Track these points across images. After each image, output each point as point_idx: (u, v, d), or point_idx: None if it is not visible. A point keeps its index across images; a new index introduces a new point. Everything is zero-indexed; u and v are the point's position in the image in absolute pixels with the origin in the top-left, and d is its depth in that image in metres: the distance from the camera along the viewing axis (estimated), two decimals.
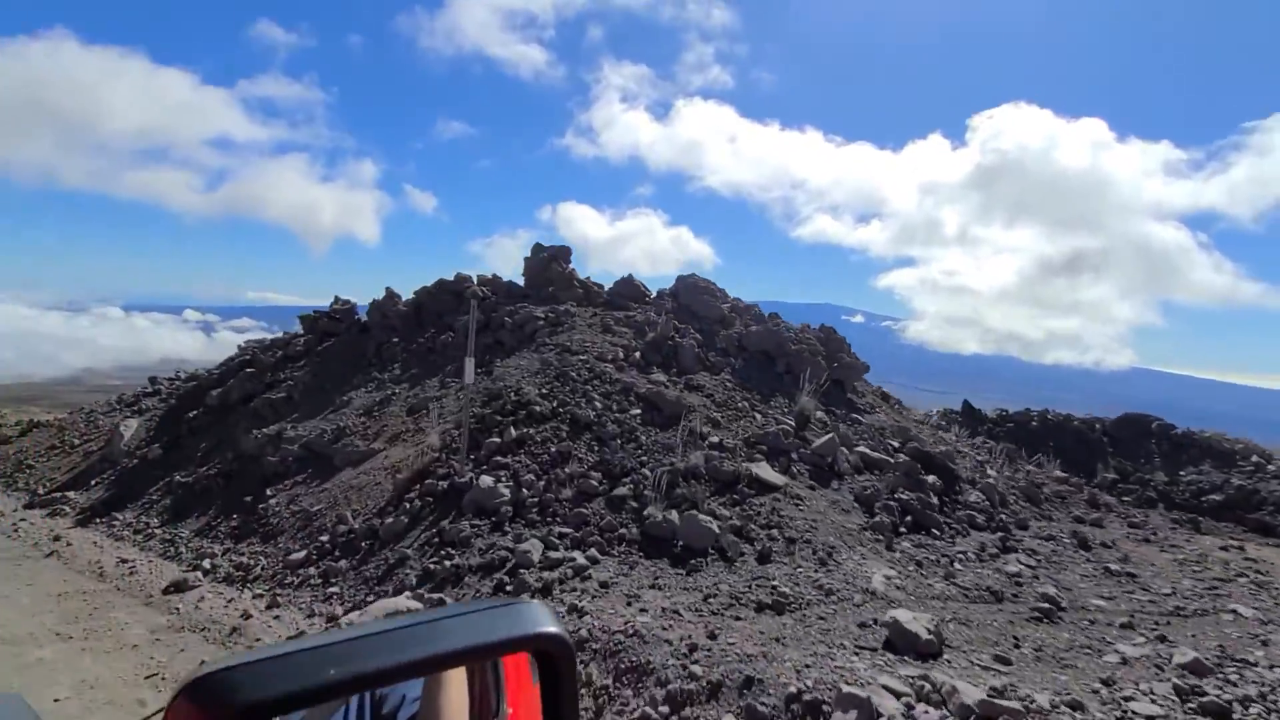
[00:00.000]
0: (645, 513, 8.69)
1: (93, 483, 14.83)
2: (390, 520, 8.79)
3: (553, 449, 9.74)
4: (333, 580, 8.25)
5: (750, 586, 7.03)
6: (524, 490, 8.91)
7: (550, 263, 16.08)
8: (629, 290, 15.76)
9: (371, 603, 7.38)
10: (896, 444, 11.66)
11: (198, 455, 13.90)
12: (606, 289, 16.28)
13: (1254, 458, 15.79)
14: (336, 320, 17.06)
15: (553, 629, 0.87)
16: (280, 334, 17.88)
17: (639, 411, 10.76)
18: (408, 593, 7.37)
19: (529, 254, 16.39)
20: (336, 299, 17.66)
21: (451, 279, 16.50)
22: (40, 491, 15.50)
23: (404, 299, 16.40)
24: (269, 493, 10.91)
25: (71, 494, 14.53)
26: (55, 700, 5.84)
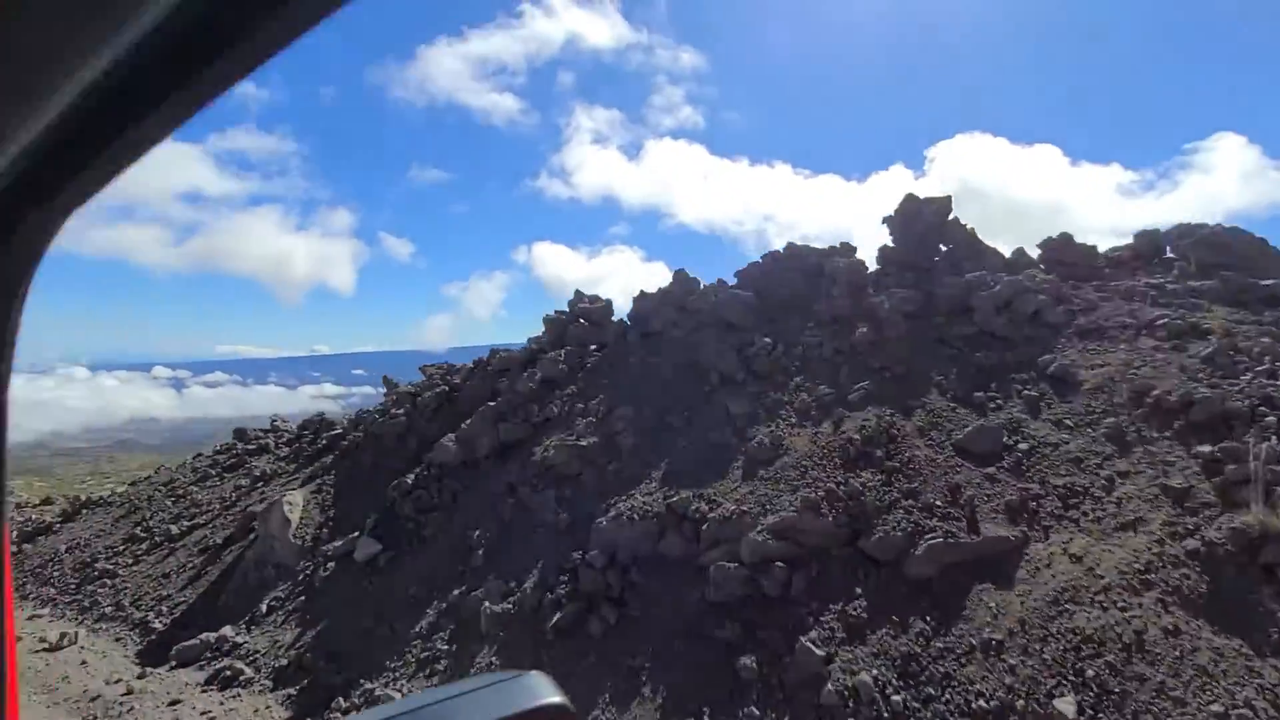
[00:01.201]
0: None
1: (262, 608, 8.64)
2: None
3: None
4: None
5: None
6: None
7: (942, 220, 10.46)
8: (1070, 254, 10.13)
9: None
10: None
11: (473, 560, 7.82)
12: (1008, 255, 10.66)
13: None
14: (591, 325, 11.23)
15: (557, 699, 0.87)
16: (501, 350, 11.95)
17: None
18: None
19: (895, 210, 10.75)
20: (578, 294, 11.82)
21: (782, 250, 10.77)
22: (157, 623, 9.24)
23: (708, 284, 10.63)
24: (832, 679, 4.91)
25: (228, 630, 8.34)
26: None
